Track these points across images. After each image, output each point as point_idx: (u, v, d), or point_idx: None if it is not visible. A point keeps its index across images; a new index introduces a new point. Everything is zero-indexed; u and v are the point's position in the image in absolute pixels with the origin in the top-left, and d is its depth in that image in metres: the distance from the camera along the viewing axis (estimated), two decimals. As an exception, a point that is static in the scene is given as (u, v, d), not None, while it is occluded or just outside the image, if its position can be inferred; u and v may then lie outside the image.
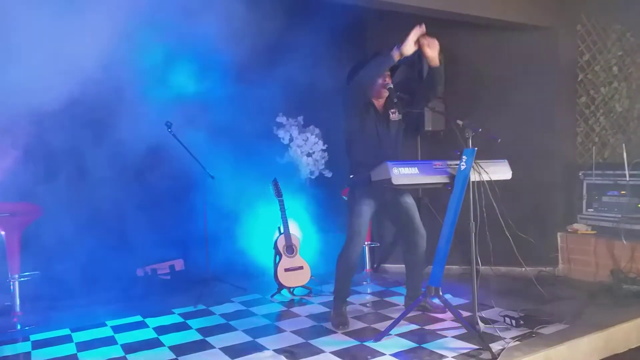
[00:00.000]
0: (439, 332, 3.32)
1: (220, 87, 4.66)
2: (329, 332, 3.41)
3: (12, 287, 3.78)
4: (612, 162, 4.75)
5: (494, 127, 3.35)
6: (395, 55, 3.20)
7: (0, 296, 3.90)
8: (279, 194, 4.52)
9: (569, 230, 4.75)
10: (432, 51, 3.27)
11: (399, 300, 4.09)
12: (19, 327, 3.68)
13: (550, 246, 4.78)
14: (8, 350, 3.29)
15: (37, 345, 3.35)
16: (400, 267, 4.68)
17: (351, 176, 3.55)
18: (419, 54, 4.41)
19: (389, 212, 3.69)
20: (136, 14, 3.57)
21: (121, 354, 3.16)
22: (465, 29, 4.70)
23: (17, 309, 3.79)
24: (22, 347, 3.34)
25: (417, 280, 3.74)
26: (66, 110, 3.84)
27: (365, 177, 3.30)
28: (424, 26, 3.21)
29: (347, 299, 3.68)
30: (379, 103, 3.55)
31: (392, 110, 3.54)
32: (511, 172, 3.36)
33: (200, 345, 3.24)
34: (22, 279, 3.80)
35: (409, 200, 3.61)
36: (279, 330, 3.49)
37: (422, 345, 3.11)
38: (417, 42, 3.22)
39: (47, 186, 4.03)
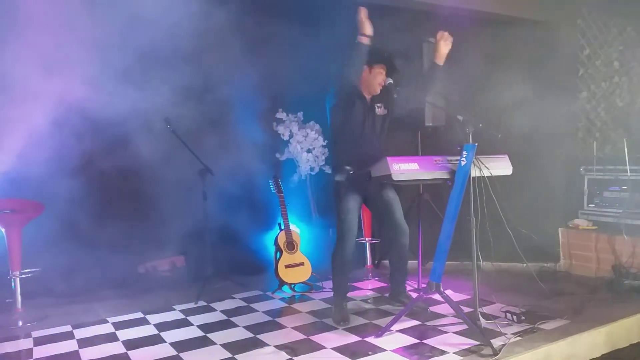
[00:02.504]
0: (440, 328, 3.32)
1: (220, 84, 4.65)
2: (330, 328, 3.41)
3: (13, 283, 3.79)
4: (614, 157, 4.74)
5: (495, 122, 3.34)
6: (363, 40, 3.22)
7: (1, 293, 3.90)
8: (279, 191, 4.52)
9: (570, 225, 4.74)
10: (446, 47, 3.39)
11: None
12: (20, 323, 3.68)
13: (552, 242, 4.77)
14: (10, 347, 3.29)
15: (39, 342, 3.35)
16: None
17: (334, 173, 3.53)
18: (420, 48, 4.44)
19: (371, 207, 3.68)
20: (135, 11, 3.58)
21: (122, 350, 3.15)
22: (465, 23, 4.67)
23: (19, 305, 3.80)
24: (24, 343, 3.34)
25: (400, 278, 3.76)
26: (67, 108, 3.86)
27: (348, 172, 3.30)
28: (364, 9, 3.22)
29: (347, 295, 3.69)
30: (369, 97, 3.56)
31: (377, 105, 3.54)
32: (512, 168, 3.35)
33: (202, 342, 3.24)
34: (23, 276, 3.81)
35: (392, 195, 3.59)
36: (280, 327, 3.49)
37: (423, 341, 3.10)
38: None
39: (47, 183, 4.02)
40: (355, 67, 3.30)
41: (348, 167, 3.40)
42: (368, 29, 3.22)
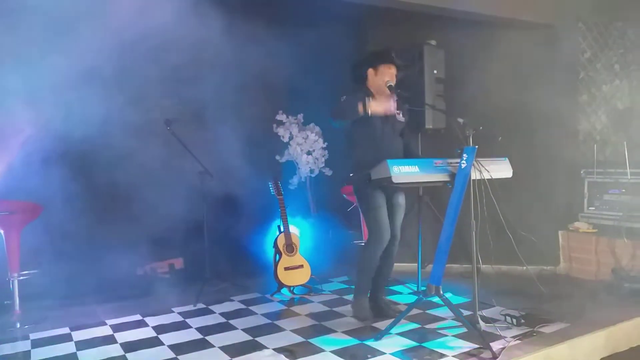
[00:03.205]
0: (439, 331, 3.31)
1: (220, 85, 4.65)
2: (329, 331, 3.40)
3: (11, 285, 3.77)
4: (614, 160, 4.73)
5: (495, 125, 3.33)
6: (360, 109, 3.25)
7: (-1, 295, 3.90)
8: (278, 193, 4.51)
9: (571, 228, 4.73)
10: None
11: (399, 299, 4.09)
12: (18, 325, 3.67)
13: (552, 245, 4.77)
14: (7, 348, 3.28)
15: (37, 344, 3.34)
16: (400, 266, 4.69)
17: (351, 174, 3.53)
18: (420, 52, 4.45)
19: None
20: (130, 13, 3.59)
21: (121, 352, 3.14)
22: (465, 26, 4.68)
23: (17, 307, 3.78)
24: (22, 345, 3.32)
25: (381, 283, 3.73)
26: (67, 110, 3.86)
27: (367, 174, 3.30)
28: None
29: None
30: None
31: (397, 111, 3.52)
32: (512, 171, 3.34)
33: (200, 344, 3.23)
34: (21, 278, 3.80)
35: (401, 202, 3.60)
36: (279, 329, 3.47)
37: (422, 344, 3.09)
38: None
39: (47, 185, 4.01)
40: (341, 116, 3.37)
41: (362, 168, 3.38)
42: (376, 110, 3.26)
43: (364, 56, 3.61)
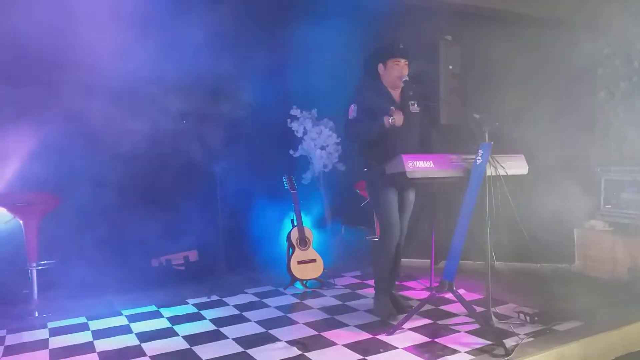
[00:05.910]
0: (452, 327, 3.31)
1: (235, 81, 4.67)
2: (341, 324, 3.42)
3: (30, 275, 3.85)
4: (631, 157, 4.66)
5: (511, 121, 3.30)
6: (387, 123, 3.31)
7: (18, 284, 3.97)
8: (292, 187, 4.52)
9: (586, 226, 4.68)
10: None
11: (412, 294, 4.09)
12: (36, 314, 3.75)
13: (567, 243, 4.72)
14: (26, 336, 3.35)
15: (54, 332, 3.41)
16: (413, 262, 4.69)
17: (365, 169, 3.53)
18: (435, 47, 4.42)
19: None
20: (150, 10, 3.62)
21: (136, 342, 3.19)
22: (484, 21, 4.64)
23: (35, 296, 3.86)
24: (40, 334, 3.39)
25: (392, 277, 3.70)
26: (83, 103, 3.91)
27: (384, 168, 3.30)
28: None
29: (358, 292, 3.68)
30: (395, 93, 3.53)
31: (411, 102, 3.49)
32: (528, 167, 3.32)
33: (214, 336, 3.27)
34: (40, 267, 3.87)
35: (412, 198, 3.60)
36: (292, 322, 3.50)
37: (435, 340, 3.09)
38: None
39: (64, 177, 4.08)
40: (366, 134, 3.42)
41: (374, 163, 3.39)
42: (399, 120, 3.32)
43: (373, 51, 3.60)
